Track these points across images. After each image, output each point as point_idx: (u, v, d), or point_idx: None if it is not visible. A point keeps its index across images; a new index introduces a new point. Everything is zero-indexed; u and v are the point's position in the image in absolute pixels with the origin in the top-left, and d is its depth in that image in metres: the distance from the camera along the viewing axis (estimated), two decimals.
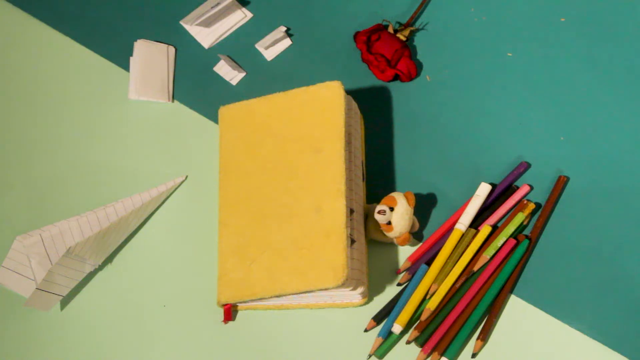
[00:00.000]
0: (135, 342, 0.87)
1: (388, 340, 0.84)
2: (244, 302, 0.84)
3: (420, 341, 0.83)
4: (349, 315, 0.86)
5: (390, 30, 0.94)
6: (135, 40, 0.97)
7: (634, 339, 0.83)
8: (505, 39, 0.95)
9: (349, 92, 0.93)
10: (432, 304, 0.83)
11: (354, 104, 0.88)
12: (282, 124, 0.86)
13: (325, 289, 0.80)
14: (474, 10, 0.96)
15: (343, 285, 0.79)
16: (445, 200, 0.89)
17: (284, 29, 0.96)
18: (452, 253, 0.85)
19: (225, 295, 0.83)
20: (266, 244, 0.83)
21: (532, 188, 0.89)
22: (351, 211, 0.83)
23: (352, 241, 0.82)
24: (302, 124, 0.85)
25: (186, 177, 0.93)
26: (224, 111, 0.89)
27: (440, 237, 0.87)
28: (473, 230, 0.86)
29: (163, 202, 0.92)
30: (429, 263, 0.86)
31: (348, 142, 0.85)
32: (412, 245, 0.88)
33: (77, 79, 0.98)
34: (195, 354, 0.86)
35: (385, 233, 0.85)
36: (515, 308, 0.85)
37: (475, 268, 0.85)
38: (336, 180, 0.82)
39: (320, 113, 0.85)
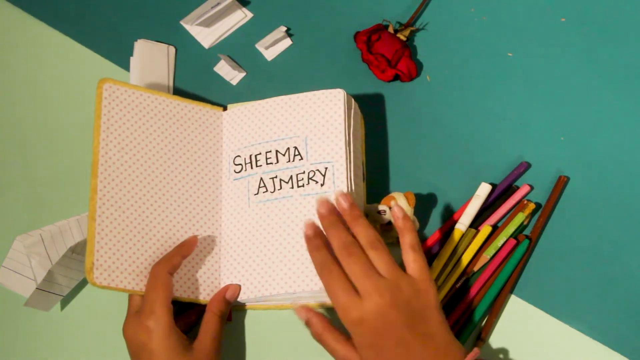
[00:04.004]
0: None
1: None
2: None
3: None
4: None
5: (391, 30, 0.94)
6: (135, 40, 0.97)
7: (634, 339, 0.83)
8: (505, 39, 0.95)
9: (349, 92, 0.93)
10: None
11: (355, 104, 0.88)
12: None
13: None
14: (474, 10, 0.96)
15: None
16: (445, 200, 0.89)
17: (284, 29, 0.96)
18: (452, 253, 0.85)
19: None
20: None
21: (532, 188, 0.89)
22: None
23: None
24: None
25: None
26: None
27: (440, 237, 0.87)
28: (473, 230, 0.86)
29: None
30: (429, 263, 0.86)
31: (348, 143, 0.85)
32: None
33: (77, 79, 0.98)
34: None
35: (385, 233, 0.85)
36: (515, 308, 0.85)
37: (476, 268, 0.85)
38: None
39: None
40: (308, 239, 0.78)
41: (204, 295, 0.84)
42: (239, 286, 0.84)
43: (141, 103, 0.87)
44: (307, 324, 0.78)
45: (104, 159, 0.83)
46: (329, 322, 0.77)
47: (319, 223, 0.79)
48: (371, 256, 0.75)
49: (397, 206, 0.79)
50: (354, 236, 0.77)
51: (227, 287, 0.84)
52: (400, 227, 0.78)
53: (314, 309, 0.78)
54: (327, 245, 0.77)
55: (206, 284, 0.84)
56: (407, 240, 0.77)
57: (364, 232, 0.77)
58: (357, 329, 0.73)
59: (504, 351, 0.84)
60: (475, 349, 0.75)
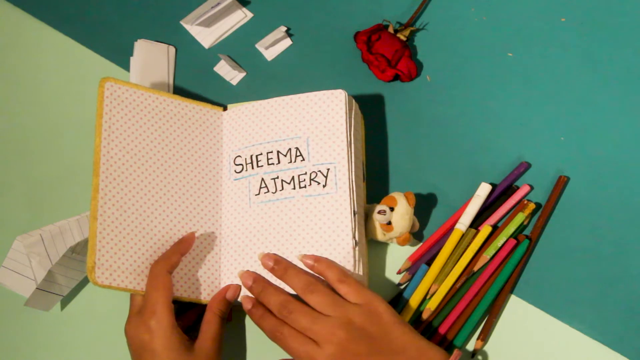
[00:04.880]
0: None
1: None
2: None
3: None
4: None
5: (391, 30, 0.94)
6: (135, 40, 0.97)
7: (634, 339, 0.83)
8: (505, 39, 0.95)
9: (349, 92, 0.93)
10: (433, 304, 0.83)
11: (355, 105, 0.88)
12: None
13: None
14: (474, 10, 0.96)
15: None
16: (445, 200, 0.89)
17: (284, 29, 0.96)
18: (452, 253, 0.85)
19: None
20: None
21: (532, 188, 0.89)
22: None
23: (355, 242, 0.82)
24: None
25: None
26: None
27: (440, 237, 0.87)
28: (473, 230, 0.86)
29: None
30: (429, 263, 0.86)
31: (349, 144, 0.85)
32: (412, 245, 0.88)
33: (77, 79, 0.98)
34: None
35: (385, 233, 0.85)
36: (515, 308, 0.85)
37: (476, 268, 0.85)
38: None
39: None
40: (249, 312, 0.80)
41: (205, 295, 0.84)
42: (240, 286, 0.84)
43: (142, 102, 0.87)
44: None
45: (105, 158, 0.83)
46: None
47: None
48: (311, 301, 0.77)
49: (304, 256, 0.81)
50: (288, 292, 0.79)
51: (227, 287, 0.84)
52: (320, 271, 0.79)
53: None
54: (270, 312, 0.79)
55: (207, 283, 0.84)
56: (331, 276, 0.79)
57: (296, 280, 0.79)
58: None
59: (504, 351, 0.84)
60: (456, 351, 0.75)
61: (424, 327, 0.83)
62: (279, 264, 0.80)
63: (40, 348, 0.88)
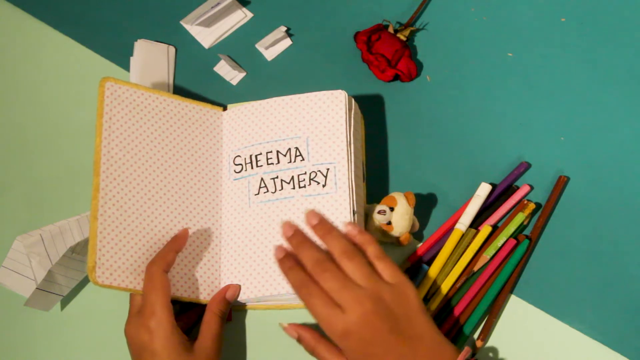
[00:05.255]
0: None
1: None
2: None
3: None
4: None
5: (391, 30, 0.94)
6: (135, 40, 0.97)
7: (634, 339, 0.83)
8: (505, 39, 0.95)
9: (349, 92, 0.93)
10: (433, 305, 0.83)
11: (355, 105, 0.88)
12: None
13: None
14: (474, 10, 0.96)
15: None
16: (445, 200, 0.89)
17: (284, 29, 0.96)
18: (452, 253, 0.85)
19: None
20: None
21: (532, 188, 0.89)
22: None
23: None
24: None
25: None
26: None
27: (440, 237, 0.87)
28: (473, 230, 0.86)
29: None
30: (429, 263, 0.86)
31: (349, 144, 0.85)
32: (412, 245, 0.88)
33: (77, 79, 0.98)
34: None
35: (385, 233, 0.85)
36: (515, 308, 0.85)
37: (476, 268, 0.85)
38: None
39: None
40: (280, 262, 0.77)
41: (204, 295, 0.84)
42: (239, 286, 0.84)
43: (142, 102, 0.87)
44: (299, 340, 0.78)
45: (105, 158, 0.83)
46: (319, 335, 0.78)
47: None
48: (347, 267, 0.75)
49: (350, 223, 0.78)
50: (326, 251, 0.77)
51: (227, 287, 0.84)
52: (360, 242, 0.78)
53: (303, 325, 0.78)
54: (300, 265, 0.77)
55: (206, 283, 0.84)
56: (371, 251, 0.77)
57: (337, 243, 0.76)
58: (344, 342, 0.74)
59: (504, 351, 0.84)
60: (466, 348, 0.75)
61: None
62: (323, 224, 0.78)
63: (40, 348, 0.88)
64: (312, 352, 0.78)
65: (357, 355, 0.73)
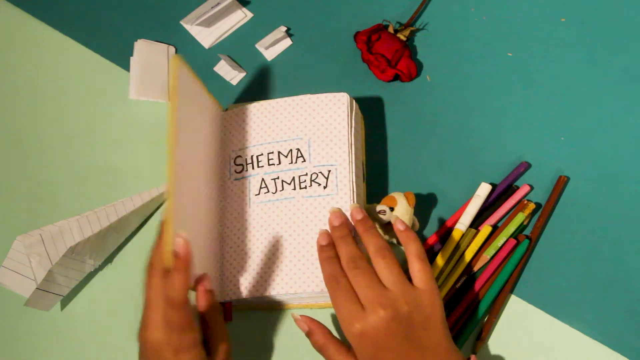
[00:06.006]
0: (135, 342, 0.87)
1: None
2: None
3: None
4: None
5: (391, 30, 0.94)
6: (135, 40, 0.97)
7: (634, 339, 0.83)
8: (505, 39, 0.95)
9: (349, 92, 0.93)
10: None
11: (355, 105, 0.88)
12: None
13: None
14: (474, 10, 0.96)
15: None
16: (445, 200, 0.89)
17: (284, 29, 0.96)
18: (452, 253, 0.85)
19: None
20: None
21: (532, 188, 0.89)
22: None
23: None
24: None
25: None
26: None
27: (440, 237, 0.87)
28: (473, 230, 0.86)
29: (163, 202, 0.92)
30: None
31: (350, 146, 0.85)
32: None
33: (77, 79, 0.98)
34: None
35: (385, 233, 0.85)
36: (515, 308, 0.85)
37: (476, 268, 0.85)
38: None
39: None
40: (320, 248, 0.79)
41: None
42: (205, 273, 0.80)
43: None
44: (308, 334, 0.78)
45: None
46: (330, 332, 0.78)
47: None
48: (379, 264, 0.76)
49: (399, 220, 0.80)
50: (363, 251, 0.78)
51: (199, 284, 0.79)
52: (404, 239, 0.79)
53: (315, 320, 0.79)
54: (337, 258, 0.78)
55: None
56: (413, 249, 0.78)
57: (374, 240, 0.78)
58: (358, 342, 0.74)
59: (504, 351, 0.84)
60: (473, 357, 0.75)
61: None
62: (365, 221, 0.80)
63: (40, 348, 0.88)
64: (319, 348, 0.78)
65: (367, 356, 0.74)
